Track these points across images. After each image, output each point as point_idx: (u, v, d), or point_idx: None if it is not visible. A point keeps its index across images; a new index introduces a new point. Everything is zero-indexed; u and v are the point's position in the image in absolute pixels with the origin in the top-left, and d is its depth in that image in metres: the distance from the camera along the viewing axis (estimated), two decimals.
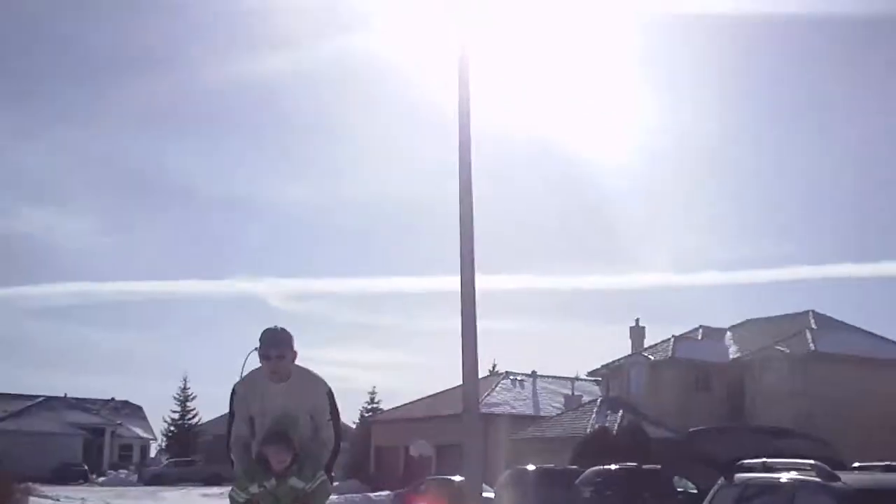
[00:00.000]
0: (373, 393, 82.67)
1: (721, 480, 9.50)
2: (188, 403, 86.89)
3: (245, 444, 7.26)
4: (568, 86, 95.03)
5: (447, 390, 59.65)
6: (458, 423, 48.37)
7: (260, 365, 7.35)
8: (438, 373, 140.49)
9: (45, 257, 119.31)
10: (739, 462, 9.25)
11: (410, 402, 64.13)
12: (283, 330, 7.26)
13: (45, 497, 36.89)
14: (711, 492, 9.72)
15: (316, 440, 7.20)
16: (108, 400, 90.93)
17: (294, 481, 6.91)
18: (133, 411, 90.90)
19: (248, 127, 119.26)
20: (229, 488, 7.27)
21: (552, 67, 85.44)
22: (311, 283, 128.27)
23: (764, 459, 8.91)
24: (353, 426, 71.36)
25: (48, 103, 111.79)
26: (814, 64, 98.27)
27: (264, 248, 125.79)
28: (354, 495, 46.65)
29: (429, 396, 62.41)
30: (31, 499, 33.64)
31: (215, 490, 57.61)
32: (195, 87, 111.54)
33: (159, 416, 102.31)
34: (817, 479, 7.78)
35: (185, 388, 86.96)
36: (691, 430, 11.38)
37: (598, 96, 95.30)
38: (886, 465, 8.72)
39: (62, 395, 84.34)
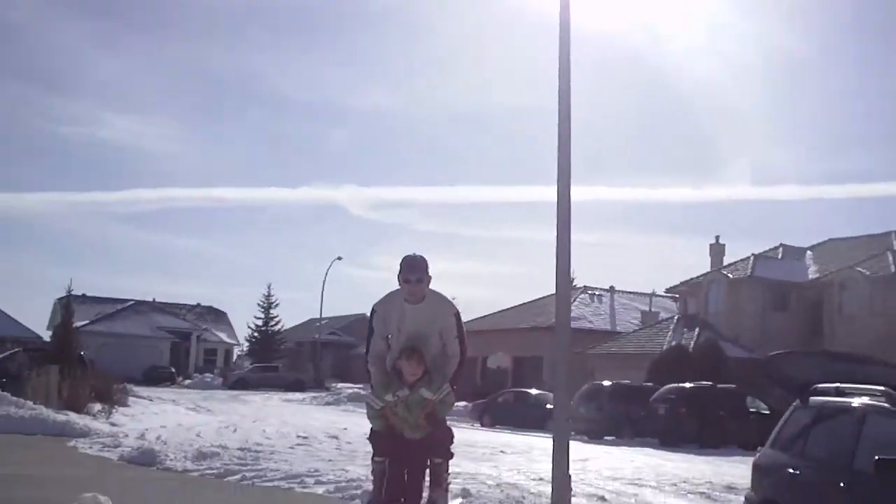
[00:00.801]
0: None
1: (796, 403, 10.00)
2: (271, 311, 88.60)
3: (382, 357, 7.93)
4: None
5: (525, 303, 60.36)
6: (536, 337, 49.31)
7: (398, 287, 8.00)
8: (517, 284, 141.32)
9: (131, 163, 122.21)
10: (815, 386, 9.73)
11: (489, 314, 64.89)
12: (421, 258, 7.98)
13: (140, 397, 38.43)
14: (786, 413, 10.20)
15: (443, 355, 8.00)
16: (194, 305, 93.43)
17: (424, 391, 7.69)
18: (218, 317, 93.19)
19: (331, 32, 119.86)
20: (364, 393, 8.28)
21: None
22: (392, 191, 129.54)
23: (838, 384, 9.38)
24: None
25: (131, 12, 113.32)
26: None
27: (346, 155, 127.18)
28: None
29: (506, 309, 63.19)
30: (130, 398, 35.19)
31: (297, 395, 59.18)
32: None
33: (243, 322, 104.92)
34: (886, 405, 8.27)
35: (268, 296, 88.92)
36: (771, 353, 11.69)
37: (687, 9, 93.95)
38: None
39: (150, 299, 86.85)
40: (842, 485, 8.19)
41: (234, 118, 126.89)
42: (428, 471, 7.96)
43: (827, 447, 8.99)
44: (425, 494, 7.91)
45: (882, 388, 8.59)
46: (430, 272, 8.01)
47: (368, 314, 8.24)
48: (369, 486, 9.48)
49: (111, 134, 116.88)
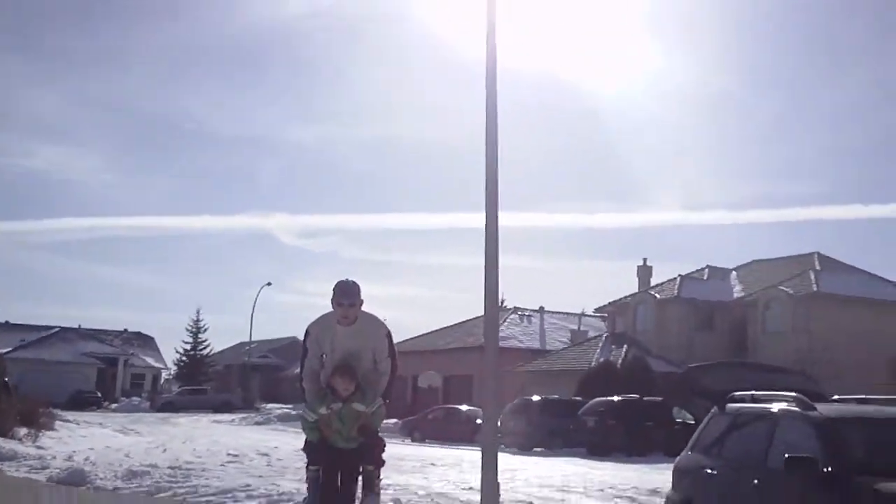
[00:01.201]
0: None
1: (714, 410, 10.44)
2: (200, 335, 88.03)
3: (316, 374, 8.34)
4: (582, 25, 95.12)
5: (455, 324, 60.83)
6: (466, 356, 49.67)
7: (331, 310, 8.39)
8: (445, 307, 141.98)
9: (58, 193, 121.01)
10: (731, 394, 10.17)
11: (420, 335, 65.22)
12: (354, 283, 8.39)
13: (67, 421, 37.99)
14: (705, 420, 10.63)
15: (375, 372, 8.43)
16: (121, 331, 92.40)
17: (357, 405, 8.08)
18: (145, 342, 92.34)
19: (261, 69, 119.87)
20: (299, 410, 8.84)
21: (567, 7, 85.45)
22: (320, 219, 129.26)
23: (753, 392, 9.83)
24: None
25: (62, 47, 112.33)
26: (824, 7, 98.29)
27: (275, 185, 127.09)
28: None
29: (437, 330, 63.66)
30: (56, 422, 34.78)
31: (226, 416, 58.93)
32: (209, 31, 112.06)
33: (171, 346, 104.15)
34: (797, 409, 8.69)
35: (197, 320, 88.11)
36: (690, 365, 12.11)
37: (611, 37, 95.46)
38: (860, 399, 9.62)
39: (76, 326, 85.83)
40: (755, 482, 8.61)
41: (164, 150, 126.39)
42: (360, 477, 8.27)
43: (742, 449, 9.43)
44: (358, 499, 8.22)
45: (793, 393, 9.05)
46: (362, 296, 8.43)
47: (302, 336, 8.62)
48: (300, 499, 9.78)
49: (37, 164, 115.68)
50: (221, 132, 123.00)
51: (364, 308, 8.45)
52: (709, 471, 9.68)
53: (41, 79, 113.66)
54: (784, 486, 8.26)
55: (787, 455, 8.02)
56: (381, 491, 8.48)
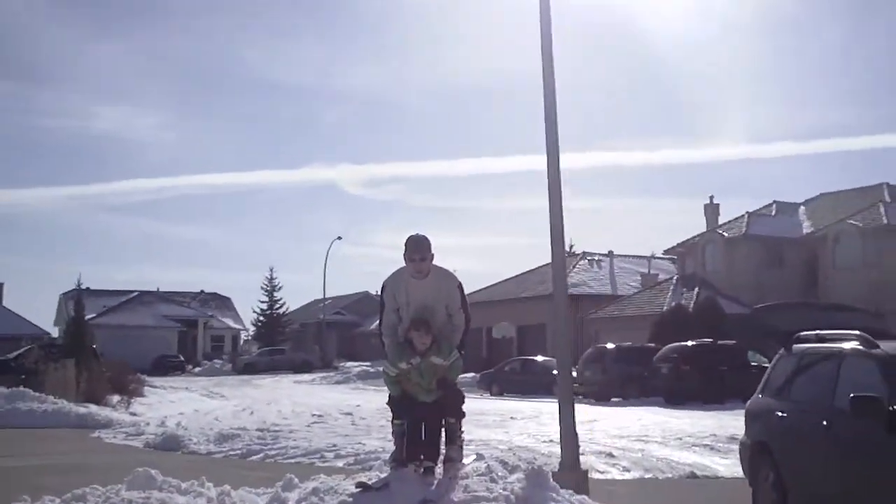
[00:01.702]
0: None
1: (781, 351, 10.74)
2: (275, 294, 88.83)
3: (394, 329, 8.50)
4: None
5: (525, 272, 60.97)
6: (539, 305, 49.92)
7: (404, 265, 8.56)
8: (518, 254, 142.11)
9: (125, 154, 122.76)
10: (797, 334, 10.45)
11: (491, 285, 65.44)
12: (424, 237, 8.51)
13: (155, 387, 39.18)
14: (773, 362, 10.96)
15: (449, 325, 8.62)
16: (198, 293, 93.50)
17: (434, 359, 8.21)
18: (222, 303, 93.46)
19: (318, 14, 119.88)
20: (380, 367, 8.69)
21: None
22: (386, 167, 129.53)
23: (818, 331, 10.09)
24: None
25: (118, 4, 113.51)
26: None
27: (338, 135, 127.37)
28: None
29: (509, 279, 63.74)
30: (145, 388, 35.93)
31: (305, 376, 59.82)
32: None
33: (248, 306, 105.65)
34: (861, 347, 8.96)
35: (271, 279, 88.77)
36: (756, 306, 12.36)
37: None
38: None
39: (154, 289, 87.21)
40: (824, 423, 8.86)
41: (226, 105, 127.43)
42: (444, 430, 8.47)
43: (810, 389, 9.72)
44: (442, 451, 8.41)
45: (857, 332, 9.31)
46: (433, 250, 8.61)
47: (374, 291, 8.95)
48: (385, 457, 10.30)
49: (103, 125, 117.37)
50: (281, 82, 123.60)
51: (435, 261, 8.63)
52: (779, 413, 9.95)
53: (100, 39, 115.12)
54: (852, 427, 8.52)
55: (851, 395, 8.33)
56: (464, 445, 8.79)
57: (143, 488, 7.31)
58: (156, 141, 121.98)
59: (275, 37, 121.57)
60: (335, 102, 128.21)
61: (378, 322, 8.88)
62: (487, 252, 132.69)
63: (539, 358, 41.60)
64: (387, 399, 8.68)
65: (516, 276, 62.64)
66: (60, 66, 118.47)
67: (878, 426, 8.03)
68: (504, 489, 7.37)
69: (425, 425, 8.33)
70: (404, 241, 8.48)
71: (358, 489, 7.76)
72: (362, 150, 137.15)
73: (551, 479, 7.92)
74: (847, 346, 9.24)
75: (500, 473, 8.06)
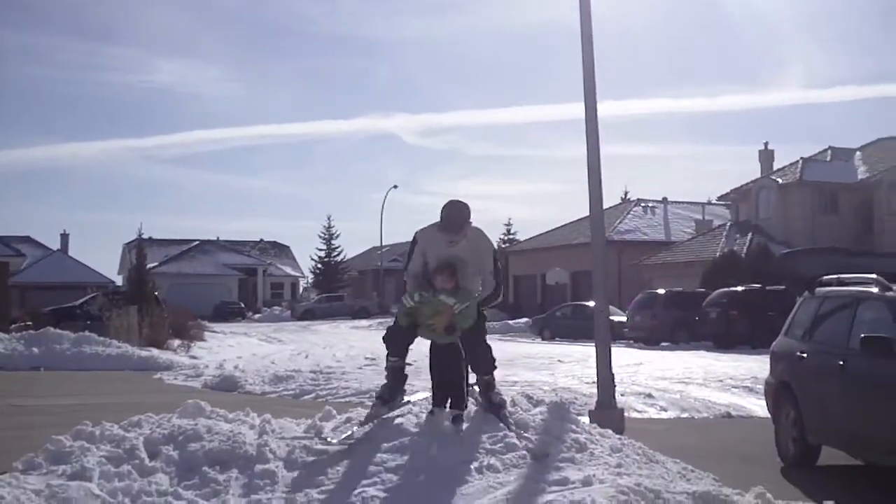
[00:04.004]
0: (508, 224, 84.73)
1: (805, 294, 11.14)
2: (333, 241, 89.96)
3: (419, 275, 8.15)
4: None
5: (579, 219, 61.21)
6: (590, 251, 50.28)
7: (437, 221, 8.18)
8: (571, 201, 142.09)
9: (185, 106, 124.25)
10: (821, 278, 10.83)
11: (546, 232, 65.83)
12: (459, 211, 8.07)
13: (215, 332, 40.20)
14: (796, 305, 11.37)
15: (476, 280, 8.23)
16: (258, 241, 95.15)
17: (444, 297, 7.86)
18: (281, 251, 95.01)
19: None
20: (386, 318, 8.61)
21: None
22: (442, 117, 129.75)
23: (840, 275, 10.45)
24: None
25: None
26: None
27: (394, 84, 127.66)
28: (494, 323, 47.18)
29: (563, 225, 64.19)
30: (205, 333, 36.96)
31: (363, 322, 60.80)
32: None
33: (306, 254, 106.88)
34: (875, 290, 9.35)
35: (329, 227, 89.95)
36: (784, 251, 12.72)
37: None
38: None
39: (215, 238, 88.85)
40: (840, 363, 9.29)
41: (280, 58, 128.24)
42: (475, 386, 8.34)
43: (829, 331, 10.15)
44: (475, 403, 8.29)
45: (874, 276, 9.67)
46: (471, 219, 8.20)
47: (412, 240, 8.47)
48: None
49: (162, 79, 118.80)
50: (336, 33, 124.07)
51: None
52: (800, 354, 10.36)
53: None
54: (863, 366, 8.94)
55: (862, 335, 8.75)
56: (507, 388, 8.71)
57: (193, 416, 7.98)
58: (216, 93, 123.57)
59: None
60: (391, 54, 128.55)
61: (404, 266, 8.53)
62: (542, 199, 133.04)
63: (590, 303, 41.86)
64: (383, 333, 8.47)
65: (570, 222, 62.87)
66: (119, 22, 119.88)
67: (888, 366, 8.45)
68: (524, 419, 7.83)
69: (451, 373, 8.15)
70: (441, 206, 8.08)
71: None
72: (418, 100, 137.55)
73: (572, 412, 8.37)
74: (863, 289, 9.63)
75: (524, 406, 8.52)
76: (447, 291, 7.88)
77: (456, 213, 8.04)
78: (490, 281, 8.26)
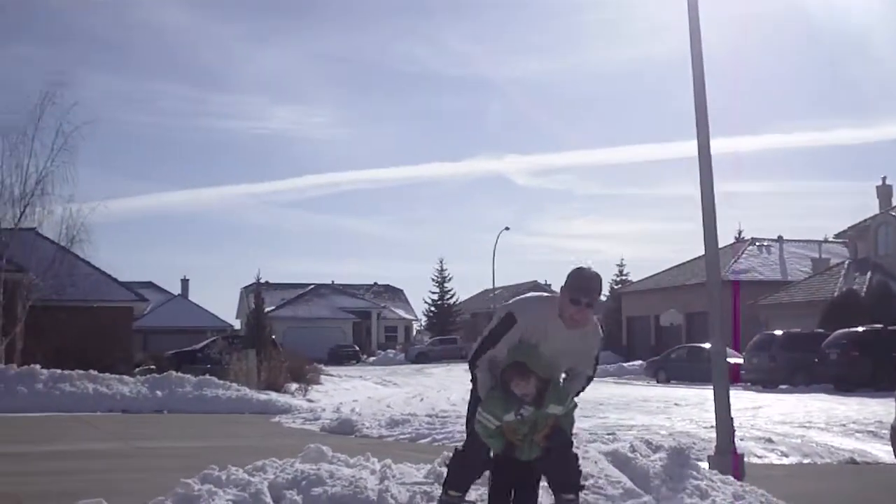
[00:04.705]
0: (621, 265, 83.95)
1: None
2: (445, 284, 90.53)
3: (496, 366, 6.40)
4: None
5: (694, 259, 60.64)
6: (704, 292, 49.67)
7: (546, 294, 6.92)
8: (682, 240, 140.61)
9: (298, 151, 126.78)
10: None
11: (658, 273, 65.22)
12: (597, 274, 6.42)
13: (331, 375, 40.72)
14: None
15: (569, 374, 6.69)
16: (372, 284, 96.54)
17: (554, 407, 6.29)
18: (395, 294, 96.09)
19: (477, 7, 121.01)
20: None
21: None
22: (553, 157, 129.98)
23: None
24: (604, 299, 72.96)
25: (277, 8, 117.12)
26: None
27: (504, 125, 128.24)
28: (608, 366, 47.41)
29: (676, 266, 63.58)
30: (322, 376, 37.47)
31: None
32: None
33: (419, 297, 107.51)
34: None
35: (441, 270, 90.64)
36: None
37: None
38: None
39: (329, 282, 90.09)
40: None
41: (389, 100, 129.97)
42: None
43: None
44: None
45: None
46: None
47: (503, 315, 6.53)
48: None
49: (274, 125, 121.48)
50: (444, 74, 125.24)
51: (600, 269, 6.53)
52: None
53: (263, 40, 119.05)
54: None
55: None
56: (624, 431, 8.49)
57: (315, 461, 8.16)
58: (326, 138, 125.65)
59: (435, 32, 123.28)
60: (500, 94, 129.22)
61: (475, 348, 6.60)
62: (654, 238, 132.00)
63: (706, 345, 41.37)
64: (449, 458, 7.07)
65: (684, 263, 62.29)
66: (230, 71, 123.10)
67: None
68: (645, 466, 7.84)
69: (524, 490, 6.64)
70: (569, 273, 6.37)
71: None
72: (528, 140, 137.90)
73: (692, 458, 8.32)
74: None
75: (643, 452, 8.50)
76: (545, 398, 6.25)
77: (592, 274, 6.40)
78: (589, 373, 6.71)
